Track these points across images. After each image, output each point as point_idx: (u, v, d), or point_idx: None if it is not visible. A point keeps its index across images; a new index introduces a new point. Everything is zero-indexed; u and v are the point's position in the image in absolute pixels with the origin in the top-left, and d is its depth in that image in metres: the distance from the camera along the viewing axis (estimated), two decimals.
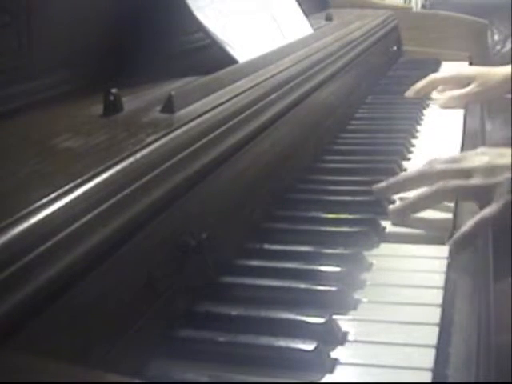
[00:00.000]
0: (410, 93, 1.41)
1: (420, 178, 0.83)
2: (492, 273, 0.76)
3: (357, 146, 1.10)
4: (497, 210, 0.76)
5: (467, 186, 0.79)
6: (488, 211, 0.76)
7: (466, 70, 1.45)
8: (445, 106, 1.35)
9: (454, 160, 0.84)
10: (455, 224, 0.79)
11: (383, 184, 0.84)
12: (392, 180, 0.85)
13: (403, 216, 0.80)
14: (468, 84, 1.38)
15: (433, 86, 1.41)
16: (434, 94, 1.41)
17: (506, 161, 0.79)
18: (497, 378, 0.64)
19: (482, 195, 0.78)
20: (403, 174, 0.90)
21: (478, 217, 0.76)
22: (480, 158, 0.82)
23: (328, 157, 1.03)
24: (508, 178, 0.77)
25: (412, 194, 0.82)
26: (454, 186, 0.79)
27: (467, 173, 0.80)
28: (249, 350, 0.54)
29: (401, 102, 1.38)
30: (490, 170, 0.79)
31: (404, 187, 0.84)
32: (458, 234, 0.75)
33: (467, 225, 0.75)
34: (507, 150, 0.82)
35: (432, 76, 1.42)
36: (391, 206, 0.82)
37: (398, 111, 1.30)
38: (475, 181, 0.79)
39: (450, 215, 0.81)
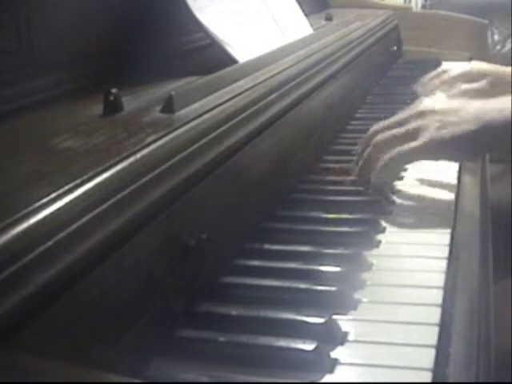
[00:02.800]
0: (420, 86, 1.34)
1: (370, 151, 0.85)
2: (492, 273, 0.76)
3: (357, 145, 1.10)
4: (421, 144, 0.80)
5: (402, 131, 0.83)
6: (412, 144, 0.81)
7: (479, 66, 1.35)
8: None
9: (396, 122, 0.87)
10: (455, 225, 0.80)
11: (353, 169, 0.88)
12: (358, 164, 0.87)
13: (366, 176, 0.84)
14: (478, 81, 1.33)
15: (445, 83, 1.32)
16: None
17: (441, 105, 0.84)
18: (497, 378, 0.64)
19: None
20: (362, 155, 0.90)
21: (400, 149, 0.81)
22: (416, 112, 0.86)
23: (328, 157, 1.03)
24: (437, 119, 0.81)
25: None
26: (390, 135, 0.83)
27: (405, 120, 0.84)
28: (249, 350, 0.54)
29: (401, 102, 1.37)
30: (425, 113, 0.83)
31: (368, 163, 0.86)
32: (378, 165, 0.80)
33: (387, 156, 0.80)
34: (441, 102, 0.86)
35: (443, 75, 1.34)
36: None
37: (398, 111, 1.30)
38: (410, 125, 0.83)
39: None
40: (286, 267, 0.67)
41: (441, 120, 0.83)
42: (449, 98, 1.17)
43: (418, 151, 0.81)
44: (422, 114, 0.84)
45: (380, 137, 0.84)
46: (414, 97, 1.39)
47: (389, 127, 0.85)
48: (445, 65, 1.73)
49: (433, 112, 0.84)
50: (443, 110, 0.84)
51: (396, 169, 0.82)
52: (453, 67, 1.33)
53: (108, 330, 0.48)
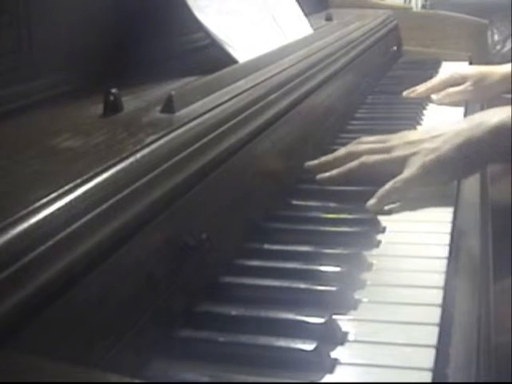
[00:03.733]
0: (408, 93, 1.40)
1: (347, 156, 0.90)
2: (492, 273, 0.76)
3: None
4: (414, 172, 0.84)
5: (386, 158, 0.87)
6: (404, 175, 0.84)
7: (462, 70, 1.44)
8: (440, 103, 1.35)
9: (378, 140, 0.92)
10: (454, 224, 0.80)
11: (315, 162, 0.92)
12: (323, 159, 0.92)
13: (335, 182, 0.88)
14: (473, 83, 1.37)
15: (432, 91, 1.39)
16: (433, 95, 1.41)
17: (422, 136, 0.89)
18: (497, 378, 0.64)
19: (401, 166, 0.86)
20: (332, 153, 0.94)
21: (394, 180, 0.83)
22: (400, 136, 0.91)
23: None
24: (424, 147, 0.86)
25: None
26: (375, 159, 0.87)
27: (389, 149, 0.88)
28: (249, 350, 0.54)
29: (401, 102, 1.38)
30: (408, 144, 0.88)
31: (333, 165, 0.90)
32: (374, 197, 0.82)
33: (384, 188, 0.83)
34: (425, 132, 0.91)
35: (430, 83, 1.41)
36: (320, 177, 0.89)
37: (397, 111, 1.30)
38: (395, 153, 0.87)
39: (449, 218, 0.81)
40: (286, 267, 0.67)
41: (421, 144, 0.86)
42: (438, 102, 1.22)
43: (410, 182, 0.84)
44: (401, 143, 0.89)
45: (365, 159, 0.88)
46: (413, 96, 1.40)
47: (371, 151, 0.89)
48: (445, 65, 1.74)
49: (410, 139, 0.89)
50: (421, 134, 0.90)
51: (390, 201, 0.84)
52: (449, 68, 1.37)
53: (108, 330, 0.48)
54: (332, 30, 1.36)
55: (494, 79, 1.36)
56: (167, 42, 0.97)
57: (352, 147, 0.92)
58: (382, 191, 0.83)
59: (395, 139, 0.91)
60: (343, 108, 1.21)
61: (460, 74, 1.40)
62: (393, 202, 0.83)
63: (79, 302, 0.46)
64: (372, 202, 0.82)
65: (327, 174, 0.89)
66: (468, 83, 1.36)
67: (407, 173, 0.85)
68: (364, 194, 0.84)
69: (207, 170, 0.65)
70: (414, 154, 0.86)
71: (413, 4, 3.11)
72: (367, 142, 0.92)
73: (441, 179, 0.87)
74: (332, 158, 0.92)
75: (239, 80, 0.83)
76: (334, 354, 0.54)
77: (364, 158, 0.88)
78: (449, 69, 1.68)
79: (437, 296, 0.62)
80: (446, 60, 1.80)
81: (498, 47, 2.78)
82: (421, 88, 1.39)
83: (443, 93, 1.36)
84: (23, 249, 0.41)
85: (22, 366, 0.37)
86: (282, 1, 1.20)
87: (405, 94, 1.40)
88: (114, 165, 0.53)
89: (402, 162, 0.86)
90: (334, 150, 1.06)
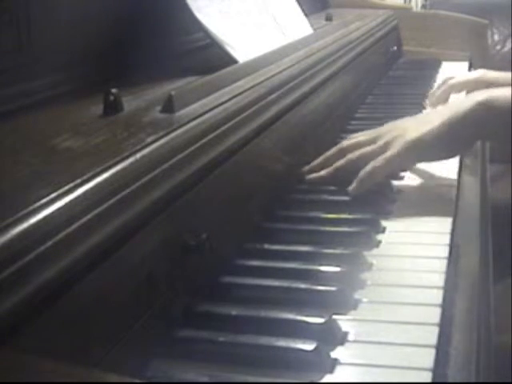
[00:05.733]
0: (430, 101, 1.31)
1: (337, 154, 0.91)
2: (492, 273, 0.76)
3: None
4: (395, 151, 0.84)
5: (371, 149, 0.87)
6: (385, 154, 0.84)
7: (489, 74, 1.32)
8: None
9: (367, 134, 0.92)
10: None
11: (308, 167, 0.93)
12: (314, 162, 0.93)
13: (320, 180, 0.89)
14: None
15: (452, 91, 1.31)
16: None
17: (406, 122, 0.89)
18: (497, 378, 0.64)
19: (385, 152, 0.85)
20: (325, 154, 0.94)
21: (375, 160, 0.84)
22: (387, 127, 0.91)
23: None
24: (408, 128, 0.86)
25: None
26: (360, 153, 0.87)
27: (375, 140, 0.88)
28: (249, 350, 0.54)
29: (401, 102, 1.38)
30: (393, 131, 0.88)
31: (325, 164, 0.91)
32: (355, 181, 0.83)
33: (364, 169, 0.84)
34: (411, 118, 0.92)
35: (451, 82, 1.31)
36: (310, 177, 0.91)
37: (398, 111, 1.30)
38: (379, 142, 0.87)
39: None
40: (286, 267, 0.67)
41: (406, 128, 0.87)
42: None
43: (391, 159, 0.84)
44: (388, 131, 0.89)
45: (351, 155, 0.88)
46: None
47: (358, 145, 0.90)
48: (445, 65, 1.73)
49: (397, 126, 0.89)
50: (408, 121, 0.90)
51: (372, 182, 0.85)
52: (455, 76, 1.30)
53: (108, 330, 0.48)
54: (332, 30, 1.36)
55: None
56: (167, 42, 0.97)
57: (341, 145, 0.93)
58: (362, 173, 0.84)
59: (382, 130, 0.91)
60: (343, 108, 1.21)
61: (487, 79, 1.28)
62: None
63: (79, 302, 0.46)
64: (353, 185, 0.83)
65: (316, 174, 0.90)
66: (463, 93, 1.28)
67: (389, 152, 0.85)
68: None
69: (207, 169, 0.65)
70: (396, 137, 0.86)
71: (413, 4, 3.11)
72: (355, 138, 0.93)
73: (424, 157, 0.88)
74: (323, 159, 0.93)
75: (239, 80, 0.83)
76: (334, 354, 0.54)
77: (350, 155, 0.88)
78: (449, 69, 1.68)
79: (437, 296, 0.62)
80: (446, 60, 1.80)
81: (498, 47, 2.78)
82: (440, 91, 1.31)
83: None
84: (23, 249, 0.41)
85: (22, 365, 0.37)
86: (282, 1, 1.20)
87: (428, 103, 1.32)
88: (114, 165, 0.53)
89: (386, 147, 0.86)
90: None
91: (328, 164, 0.91)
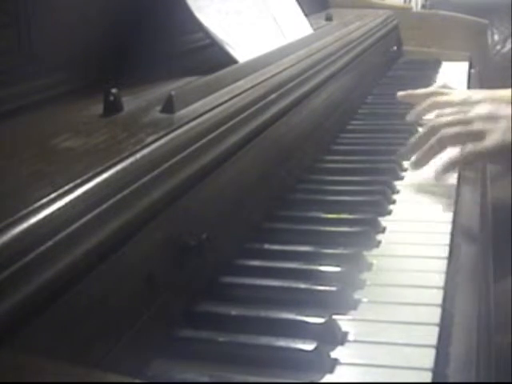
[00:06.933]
0: (411, 117, 1.21)
1: (431, 131, 0.93)
2: (492, 273, 0.76)
3: (357, 145, 1.10)
4: (491, 145, 0.86)
5: (465, 130, 0.89)
6: (483, 145, 0.87)
7: (474, 95, 1.19)
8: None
9: (456, 111, 0.95)
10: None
11: (404, 150, 0.97)
12: (409, 144, 0.97)
13: (422, 165, 0.93)
14: None
15: (435, 108, 1.18)
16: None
17: (505, 112, 0.89)
18: (497, 378, 0.64)
19: (479, 139, 0.88)
20: (416, 135, 0.98)
21: (470, 148, 0.87)
22: (481, 106, 0.93)
23: (328, 157, 1.03)
24: (503, 125, 0.87)
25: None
26: (455, 132, 0.90)
27: (467, 122, 0.90)
28: (249, 350, 0.54)
29: (401, 102, 1.37)
30: (490, 117, 0.89)
31: (420, 144, 0.94)
32: (447, 160, 0.87)
33: (455, 154, 0.87)
34: (507, 102, 0.93)
35: (436, 99, 1.19)
36: (410, 162, 0.95)
37: (398, 111, 1.30)
38: (473, 127, 0.89)
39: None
40: (286, 267, 0.67)
41: (507, 126, 0.87)
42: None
43: (487, 152, 0.87)
44: (487, 118, 0.90)
45: (445, 132, 0.90)
46: (414, 120, 1.34)
47: (452, 123, 0.92)
48: (445, 65, 1.71)
49: (498, 118, 0.90)
50: (503, 115, 0.90)
51: (461, 165, 0.88)
52: (446, 90, 1.27)
53: (108, 330, 0.48)
54: (332, 30, 1.36)
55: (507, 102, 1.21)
56: (167, 42, 0.97)
57: (432, 122, 0.95)
58: (455, 156, 0.87)
59: (474, 108, 0.93)
60: (343, 108, 1.21)
61: (474, 101, 1.13)
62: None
63: (79, 302, 0.46)
64: (441, 167, 0.87)
65: (413, 158, 0.94)
66: None
67: (487, 143, 0.86)
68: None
69: (207, 169, 0.65)
70: (492, 130, 0.88)
71: (413, 4, 3.11)
72: (446, 115, 0.95)
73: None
74: (417, 139, 0.95)
75: (239, 80, 0.83)
76: (334, 354, 0.54)
77: (444, 132, 0.90)
78: (449, 69, 1.68)
79: (437, 296, 0.62)
80: (445, 60, 1.80)
81: (498, 47, 2.78)
82: (421, 107, 1.20)
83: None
84: (23, 249, 0.41)
85: (22, 366, 0.37)
86: (282, 1, 1.20)
87: (408, 118, 1.21)
88: (114, 165, 0.53)
89: (480, 135, 0.88)
90: (334, 150, 1.07)
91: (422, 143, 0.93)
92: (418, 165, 0.94)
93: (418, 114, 1.22)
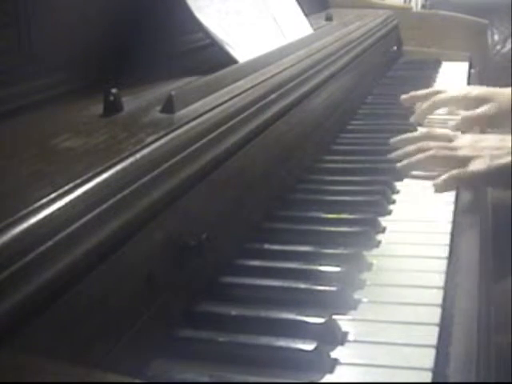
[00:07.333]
0: (414, 118, 1.24)
1: (423, 138, 1.01)
2: (492, 273, 0.76)
3: (357, 145, 1.10)
4: (481, 169, 0.89)
5: (453, 155, 0.93)
6: (472, 168, 0.89)
7: (475, 91, 1.24)
8: (457, 129, 1.15)
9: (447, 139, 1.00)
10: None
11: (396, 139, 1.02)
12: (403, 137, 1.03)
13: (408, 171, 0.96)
14: (475, 106, 1.19)
15: (436, 107, 1.25)
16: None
17: (487, 142, 0.95)
18: (497, 378, 0.64)
19: (464, 165, 0.90)
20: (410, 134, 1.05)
21: (460, 171, 0.89)
22: (466, 139, 0.98)
23: (328, 157, 1.03)
24: (490, 153, 0.91)
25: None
26: (444, 154, 0.94)
27: (456, 148, 0.95)
28: (249, 350, 0.54)
29: (401, 102, 1.37)
30: (474, 147, 0.94)
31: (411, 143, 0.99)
32: (442, 177, 0.89)
33: (445, 176, 0.88)
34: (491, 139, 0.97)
35: (437, 97, 1.24)
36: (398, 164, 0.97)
37: (398, 111, 1.30)
38: (461, 152, 0.94)
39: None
40: (286, 267, 0.67)
41: (492, 153, 0.91)
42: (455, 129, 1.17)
43: (476, 176, 0.89)
44: (472, 147, 0.94)
45: (434, 152, 0.94)
46: (417, 119, 1.34)
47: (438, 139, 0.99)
48: (445, 65, 1.72)
49: (483, 147, 0.94)
50: (490, 145, 0.94)
51: (450, 188, 0.89)
52: (448, 89, 1.28)
53: (108, 330, 0.48)
54: (332, 30, 1.36)
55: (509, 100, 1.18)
56: (167, 42, 0.97)
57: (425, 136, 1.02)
58: (445, 177, 0.89)
59: (462, 141, 0.98)
60: (343, 108, 1.21)
61: (475, 96, 1.21)
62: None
63: (79, 302, 0.46)
64: (442, 178, 0.89)
65: (405, 162, 0.96)
66: (489, 106, 1.17)
67: (476, 167, 0.89)
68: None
69: (207, 169, 0.65)
70: (478, 156, 0.91)
71: (413, 4, 3.11)
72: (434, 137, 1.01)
73: (499, 185, 0.94)
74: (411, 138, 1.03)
75: (239, 80, 0.83)
76: (334, 354, 0.54)
77: (434, 151, 0.94)
78: (449, 69, 1.68)
79: (437, 296, 0.62)
80: (445, 60, 1.80)
81: (498, 47, 2.78)
82: (424, 106, 1.25)
83: (461, 118, 1.19)
84: (23, 249, 0.41)
85: (22, 366, 0.37)
86: (282, 1, 1.20)
87: (412, 119, 1.25)
88: (114, 165, 0.53)
89: (466, 161, 0.91)
90: (334, 150, 1.07)
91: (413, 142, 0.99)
92: (407, 167, 0.96)
93: (421, 115, 1.24)
